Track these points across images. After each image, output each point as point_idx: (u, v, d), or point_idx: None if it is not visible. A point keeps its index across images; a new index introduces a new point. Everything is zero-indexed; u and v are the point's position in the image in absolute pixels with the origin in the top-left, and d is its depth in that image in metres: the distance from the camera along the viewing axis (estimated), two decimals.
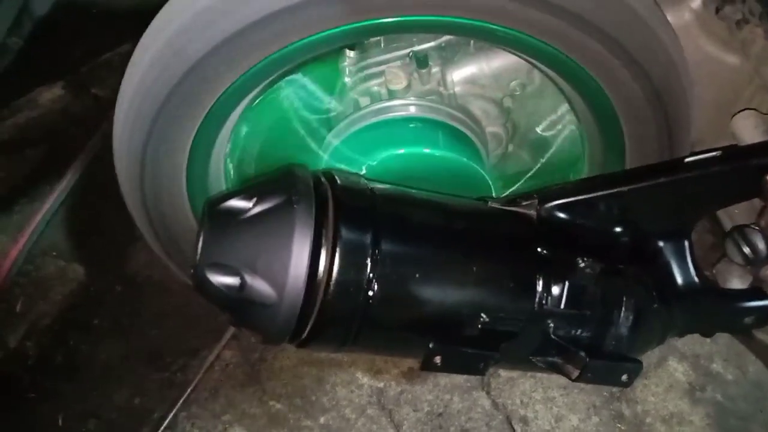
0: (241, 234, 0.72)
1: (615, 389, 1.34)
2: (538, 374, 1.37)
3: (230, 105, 0.94)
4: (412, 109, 1.05)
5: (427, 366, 0.75)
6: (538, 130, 1.11)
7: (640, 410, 1.31)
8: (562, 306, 0.80)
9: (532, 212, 0.85)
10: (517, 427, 1.31)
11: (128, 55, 2.18)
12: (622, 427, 1.30)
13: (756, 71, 0.89)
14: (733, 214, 1.03)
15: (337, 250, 0.71)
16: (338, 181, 0.77)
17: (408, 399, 1.36)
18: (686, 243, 0.90)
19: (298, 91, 1.09)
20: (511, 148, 1.14)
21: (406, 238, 0.76)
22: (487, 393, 1.36)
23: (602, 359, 0.82)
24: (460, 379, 1.38)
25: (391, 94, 1.07)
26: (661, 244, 0.88)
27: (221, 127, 0.98)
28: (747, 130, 0.89)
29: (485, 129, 1.09)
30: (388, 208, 0.77)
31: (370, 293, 0.72)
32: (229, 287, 0.71)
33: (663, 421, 1.30)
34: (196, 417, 1.40)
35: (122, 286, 1.65)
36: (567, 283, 0.80)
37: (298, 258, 0.70)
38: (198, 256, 0.76)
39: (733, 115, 0.92)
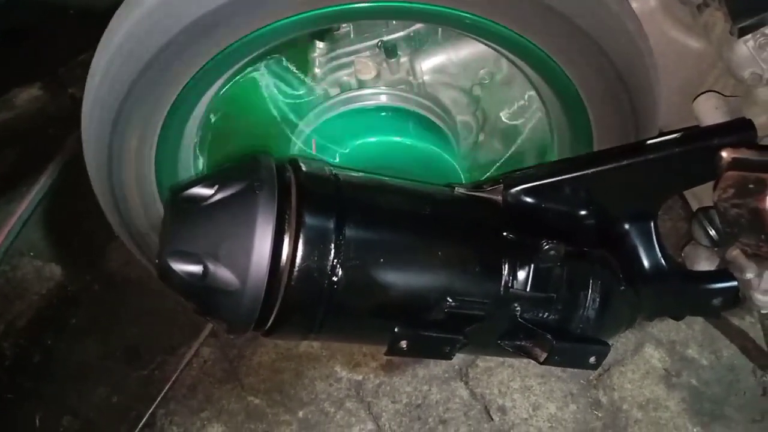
0: (203, 221, 0.72)
1: (591, 376, 1.35)
2: (516, 363, 1.38)
3: (197, 92, 0.94)
4: (383, 98, 1.06)
5: (393, 351, 0.75)
6: (506, 118, 1.11)
7: (617, 397, 1.32)
8: (528, 289, 0.81)
9: (498, 197, 0.85)
10: (496, 417, 1.31)
11: None
12: (599, 414, 1.30)
13: (718, 54, 0.90)
14: (701, 199, 1.04)
15: (300, 236, 0.71)
16: (302, 168, 0.77)
17: (386, 391, 1.36)
18: (652, 225, 0.90)
19: (272, 73, 1.08)
20: (482, 137, 1.15)
21: (370, 224, 0.76)
22: (465, 383, 1.36)
23: (569, 342, 0.82)
24: (438, 370, 1.38)
25: (361, 84, 1.07)
26: (627, 226, 0.89)
27: (189, 116, 0.98)
28: (708, 112, 0.90)
29: (455, 118, 1.09)
30: (352, 193, 0.77)
31: (335, 279, 0.72)
32: (191, 275, 0.71)
33: (639, 407, 1.30)
34: (175, 414, 1.39)
35: (100, 285, 1.64)
36: (532, 266, 0.81)
37: (260, 244, 0.70)
38: (161, 245, 0.76)
39: (695, 98, 0.92)
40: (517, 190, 0.85)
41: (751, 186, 0.71)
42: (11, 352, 1.54)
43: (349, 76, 1.08)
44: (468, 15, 0.84)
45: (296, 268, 0.71)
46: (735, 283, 0.92)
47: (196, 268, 0.71)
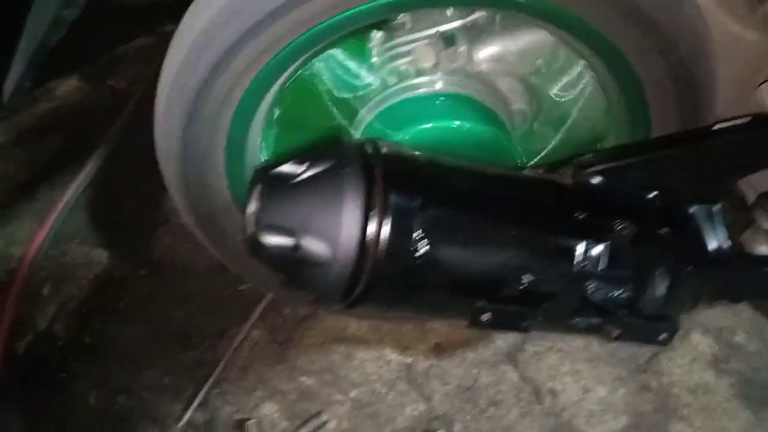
0: (294, 196, 0.74)
1: (641, 362, 1.37)
2: (565, 348, 1.39)
3: (266, 85, 0.96)
4: (441, 85, 1.07)
5: (475, 323, 0.78)
6: (560, 107, 1.13)
7: (666, 381, 1.34)
8: (601, 268, 0.83)
9: (568, 179, 0.87)
10: (546, 399, 1.33)
11: (144, 48, 2.20)
12: (650, 398, 1.32)
13: None
14: (757, 186, 1.05)
15: (388, 210, 0.74)
16: (382, 147, 0.79)
17: (437, 373, 1.38)
18: (717, 209, 0.92)
19: (330, 68, 1.11)
20: (535, 125, 1.16)
21: (451, 202, 0.78)
22: (515, 367, 1.38)
23: (641, 319, 0.84)
24: (487, 353, 1.40)
25: (420, 72, 1.09)
26: (692, 209, 0.90)
27: (257, 109, 1.00)
28: None
29: (511, 106, 1.10)
30: (432, 172, 0.80)
31: (419, 253, 0.75)
32: (283, 248, 0.74)
33: (689, 391, 1.32)
34: (228, 393, 1.42)
35: (146, 270, 1.67)
36: (605, 246, 0.83)
37: (351, 217, 0.72)
38: (248, 221, 0.78)
39: (759, 85, 0.93)
40: (587, 173, 0.86)
41: None
42: (63, 334, 1.57)
43: (407, 65, 1.10)
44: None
45: (383, 242, 0.73)
46: None
47: (288, 241, 0.74)
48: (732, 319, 1.39)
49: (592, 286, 0.82)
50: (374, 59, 1.10)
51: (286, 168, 0.76)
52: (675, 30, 0.88)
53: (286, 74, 0.99)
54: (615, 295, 0.84)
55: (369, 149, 0.78)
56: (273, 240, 0.74)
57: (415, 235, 0.74)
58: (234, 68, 0.90)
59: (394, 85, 1.08)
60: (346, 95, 1.12)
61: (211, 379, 1.44)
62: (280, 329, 1.51)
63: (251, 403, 1.40)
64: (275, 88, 1.00)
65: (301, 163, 0.76)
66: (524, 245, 0.80)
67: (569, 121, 1.12)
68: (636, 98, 0.97)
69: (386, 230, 0.73)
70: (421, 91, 1.06)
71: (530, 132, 1.14)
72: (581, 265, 0.81)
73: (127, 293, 1.62)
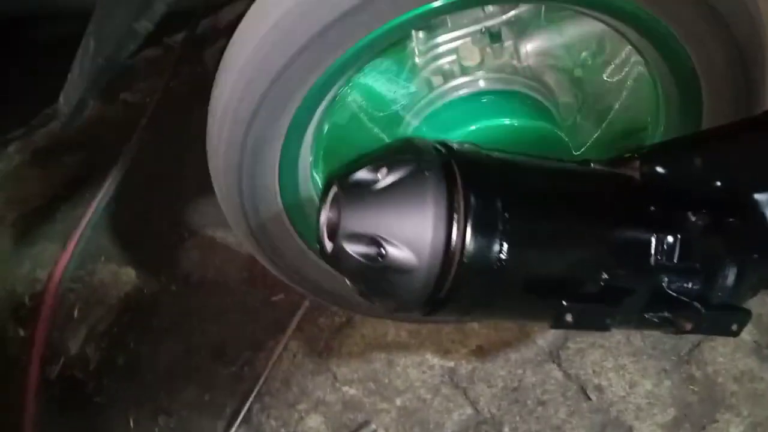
0: (377, 204, 0.74)
1: (683, 353, 1.37)
2: (606, 344, 1.40)
3: (318, 98, 0.96)
4: (488, 83, 1.07)
5: (559, 324, 0.77)
6: (605, 98, 1.13)
7: (711, 371, 1.34)
8: (676, 260, 0.83)
9: (636, 172, 0.87)
10: (593, 396, 1.33)
11: (153, 59, 2.18)
12: (695, 389, 1.32)
13: None
14: None
15: (470, 213, 0.73)
16: (457, 149, 0.79)
17: (481, 376, 1.38)
18: None
19: (364, 93, 1.10)
20: (578, 118, 1.17)
21: (529, 201, 0.78)
22: (558, 365, 1.38)
23: (716, 310, 0.84)
24: (529, 353, 1.40)
25: (465, 71, 1.09)
26: (756, 196, 0.91)
27: (308, 124, 1.00)
28: None
29: (558, 100, 1.11)
30: (507, 171, 0.80)
31: (501, 256, 0.74)
32: (367, 256, 0.73)
33: (734, 379, 1.32)
34: (271, 407, 1.41)
35: (177, 286, 1.66)
36: (679, 238, 0.83)
37: (437, 223, 0.72)
38: (323, 230, 0.78)
39: None
40: (653, 164, 0.87)
41: None
42: (96, 356, 1.55)
43: (451, 64, 1.10)
44: None
45: (468, 245, 0.73)
46: None
47: (372, 249, 0.73)
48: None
49: (666, 279, 0.83)
50: (417, 59, 1.10)
51: (364, 174, 0.75)
52: (732, 14, 0.89)
53: (333, 91, 0.99)
54: (688, 287, 0.84)
55: (444, 151, 0.77)
56: (357, 249, 0.73)
57: (496, 236, 0.74)
58: (284, 86, 0.90)
59: (439, 86, 1.08)
60: (384, 112, 1.12)
61: (253, 394, 1.43)
62: (318, 339, 1.50)
63: (296, 416, 1.39)
64: (324, 104, 1.00)
65: (377, 169, 0.75)
66: (602, 241, 0.80)
67: (612, 114, 1.13)
68: (689, 87, 0.97)
69: (469, 233, 0.73)
70: (468, 90, 1.06)
71: (573, 125, 1.14)
72: (657, 258, 0.82)
73: (158, 311, 1.61)
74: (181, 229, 1.74)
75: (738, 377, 1.33)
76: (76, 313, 1.60)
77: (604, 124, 1.14)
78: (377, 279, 0.75)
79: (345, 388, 1.40)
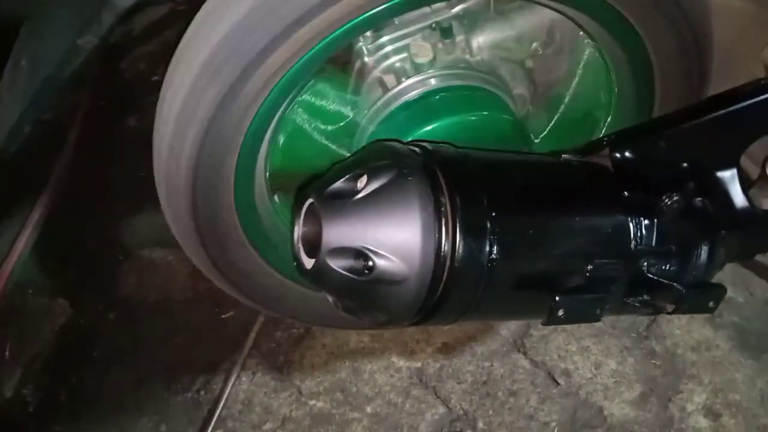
0: (360, 214, 0.70)
1: (641, 329, 1.40)
2: (568, 328, 1.41)
3: (272, 112, 0.91)
4: (444, 80, 1.04)
5: (551, 320, 0.76)
6: (557, 87, 1.13)
7: (670, 344, 1.38)
8: (654, 243, 0.83)
9: (606, 160, 0.87)
10: (561, 380, 1.34)
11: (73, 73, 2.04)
12: (657, 363, 1.35)
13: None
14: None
15: (458, 215, 0.70)
16: (432, 150, 0.76)
17: (449, 373, 1.36)
18: (735, 171, 0.94)
19: (312, 110, 1.05)
20: (531, 109, 1.16)
21: (513, 199, 0.76)
22: (524, 354, 1.38)
23: (694, 289, 0.85)
24: (495, 344, 1.39)
25: (417, 68, 1.05)
26: (718, 174, 0.93)
27: (263, 137, 0.94)
28: None
29: (512, 91, 1.09)
30: (487, 169, 0.77)
31: (492, 255, 0.72)
32: (354, 270, 0.69)
33: (692, 350, 1.36)
34: (235, 431, 1.34)
35: (115, 313, 1.56)
36: (655, 221, 0.83)
37: (425, 229, 0.69)
38: (299, 246, 0.73)
39: (762, 49, 0.97)
40: (622, 150, 0.86)
41: None
42: (35, 397, 1.44)
43: (402, 62, 1.06)
44: None
45: (458, 248, 0.70)
46: None
47: (358, 263, 0.69)
48: (717, 275, 1.45)
49: (646, 263, 0.83)
50: (367, 59, 1.05)
51: (343, 184, 0.71)
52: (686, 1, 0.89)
53: (286, 102, 0.94)
54: (666, 269, 0.85)
55: (421, 152, 0.74)
56: (342, 263, 0.69)
57: (486, 236, 0.71)
58: (243, 96, 0.84)
59: (393, 87, 1.04)
60: (334, 125, 1.08)
61: (214, 419, 1.36)
62: (277, 354, 1.44)
63: None
64: (277, 116, 0.95)
65: (356, 177, 0.71)
66: (585, 231, 0.79)
67: (565, 103, 1.12)
68: (642, 70, 0.98)
69: (459, 236, 0.70)
70: (422, 89, 1.03)
71: (527, 116, 1.13)
72: (636, 243, 0.81)
73: (99, 340, 1.51)
74: (114, 251, 1.64)
75: (696, 347, 1.37)
76: (7, 353, 1.48)
77: (557, 114, 1.14)
78: (365, 293, 0.71)
79: (312, 402, 1.35)
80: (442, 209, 0.69)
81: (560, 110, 1.16)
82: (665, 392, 1.32)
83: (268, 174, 1.02)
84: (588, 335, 1.39)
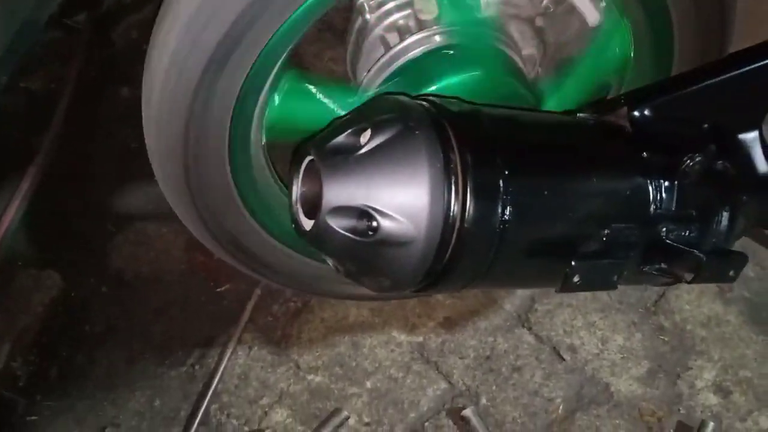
0: (363, 171, 0.65)
1: (649, 304, 1.36)
2: (574, 302, 1.37)
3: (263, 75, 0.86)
4: (450, 37, 0.99)
5: (567, 286, 0.72)
6: (568, 48, 1.08)
7: (679, 319, 1.34)
8: (674, 208, 0.79)
9: (624, 119, 0.82)
10: (567, 356, 1.30)
11: (54, 42, 1.98)
12: (666, 338, 1.31)
13: None
14: None
15: (468, 174, 0.66)
16: (442, 104, 0.71)
17: (451, 348, 1.32)
18: (758, 133, 0.90)
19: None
20: (541, 71, 1.11)
21: (527, 158, 0.71)
22: (529, 329, 1.34)
23: (715, 257, 0.81)
24: (498, 319, 1.35)
25: (422, 25, 1.00)
26: (740, 136, 0.88)
27: (255, 105, 0.89)
28: None
29: (521, 51, 1.04)
30: (499, 126, 0.72)
31: (505, 217, 0.67)
32: (357, 231, 0.64)
33: (702, 325, 1.32)
34: (231, 406, 1.30)
35: (108, 286, 1.51)
36: (676, 184, 0.78)
37: (434, 187, 0.64)
38: (298, 206, 0.69)
39: None
40: (641, 109, 0.82)
41: None
42: (24, 371, 1.39)
43: (406, 19, 1.01)
44: None
45: (468, 210, 0.65)
46: None
47: (361, 223, 0.64)
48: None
49: (665, 228, 0.78)
50: (368, 16, 1.01)
51: (345, 139, 0.66)
52: None
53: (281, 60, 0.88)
54: (686, 235, 0.80)
55: (430, 106, 0.69)
56: (344, 223, 0.64)
57: (498, 197, 0.67)
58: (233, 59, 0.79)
59: (396, 45, 0.99)
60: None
61: (209, 394, 1.32)
62: (274, 328, 1.40)
63: (258, 412, 1.29)
64: (272, 74, 0.89)
65: (359, 132, 0.66)
66: (602, 193, 0.74)
67: (576, 65, 1.07)
68: (661, 28, 0.93)
69: (470, 196, 0.65)
70: (427, 46, 0.98)
71: (536, 78, 1.08)
72: (655, 207, 0.77)
73: (91, 314, 1.46)
74: (107, 223, 1.59)
75: (705, 323, 1.33)
76: None
77: (569, 77, 1.09)
78: (369, 256, 0.66)
79: (310, 377, 1.31)
80: (452, 166, 0.65)
81: (572, 73, 1.11)
82: (674, 368, 1.28)
83: (264, 138, 0.97)
84: (594, 310, 1.35)
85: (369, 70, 1.01)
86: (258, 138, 0.96)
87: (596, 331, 1.33)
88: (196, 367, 1.37)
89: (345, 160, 0.65)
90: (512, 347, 1.32)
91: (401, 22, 1.01)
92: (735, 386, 1.24)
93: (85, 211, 1.60)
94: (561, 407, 1.24)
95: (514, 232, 0.68)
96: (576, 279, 0.71)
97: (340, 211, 0.64)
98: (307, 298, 1.41)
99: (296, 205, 0.70)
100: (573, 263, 0.70)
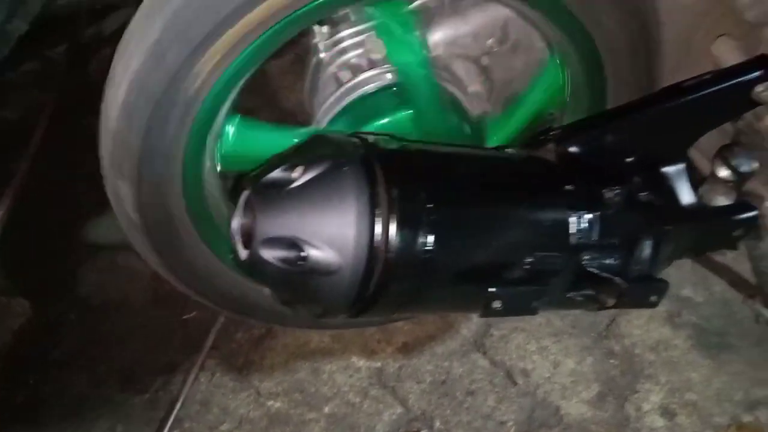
0: (294, 204, 0.69)
1: (601, 328, 1.40)
2: (528, 327, 1.41)
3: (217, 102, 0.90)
4: (397, 75, 1.05)
5: (488, 312, 0.76)
6: (514, 84, 1.13)
7: (628, 343, 1.38)
8: (594, 238, 0.83)
9: (551, 154, 0.87)
10: (519, 380, 1.34)
11: (34, 73, 2.02)
12: (615, 362, 1.36)
13: (719, 1, 0.95)
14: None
15: (393, 207, 0.70)
16: (373, 141, 0.76)
17: (408, 373, 1.36)
18: (684, 166, 0.95)
19: None
20: (489, 107, 1.16)
21: (451, 190, 0.76)
22: (484, 353, 1.38)
23: (636, 283, 0.85)
24: (454, 344, 1.39)
25: (372, 64, 1.06)
26: (664, 169, 0.93)
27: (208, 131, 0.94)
28: (728, 54, 0.95)
29: (467, 88, 1.10)
30: (426, 160, 0.77)
31: (428, 247, 0.72)
32: (288, 260, 0.69)
33: (651, 349, 1.37)
34: None
35: (76, 313, 1.55)
36: (598, 215, 0.83)
37: (359, 219, 0.68)
38: (237, 237, 0.73)
39: (713, 42, 0.97)
40: (567, 144, 0.87)
41: None
42: None
43: (358, 57, 1.06)
44: None
45: (392, 240, 0.70)
46: (756, 212, 0.98)
47: (291, 253, 0.68)
48: (677, 274, 1.46)
49: (587, 257, 0.83)
50: (322, 55, 1.06)
51: (278, 174, 0.71)
52: None
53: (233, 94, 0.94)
54: (608, 263, 0.85)
55: (362, 144, 0.74)
56: (275, 254, 0.68)
57: (421, 228, 0.71)
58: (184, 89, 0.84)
59: (347, 82, 1.05)
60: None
61: (170, 420, 1.34)
62: (237, 354, 1.43)
63: None
64: (225, 107, 0.94)
65: (293, 167, 0.71)
66: (524, 224, 0.79)
67: (522, 101, 1.13)
68: (593, 66, 0.98)
69: (393, 227, 0.70)
70: (377, 83, 1.03)
71: (485, 114, 1.14)
72: (577, 237, 0.81)
73: (59, 340, 1.49)
74: (77, 251, 1.62)
75: (654, 347, 1.37)
76: None
77: (515, 112, 1.14)
78: (299, 284, 0.70)
79: (270, 402, 1.35)
80: (378, 200, 0.69)
81: (519, 108, 1.16)
82: (622, 392, 1.32)
83: (219, 168, 1.02)
84: (548, 334, 1.39)
85: (322, 106, 1.06)
86: (211, 173, 1.00)
87: (549, 355, 1.37)
88: (160, 393, 1.40)
89: (278, 193, 0.70)
90: (467, 372, 1.35)
91: (353, 60, 1.07)
92: (681, 409, 1.28)
93: (56, 239, 1.64)
94: (513, 430, 1.28)
95: (438, 260, 0.72)
96: (496, 304, 0.75)
97: (272, 241, 0.69)
98: (270, 325, 1.44)
99: (235, 236, 0.74)
100: (492, 290, 0.74)
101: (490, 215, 0.78)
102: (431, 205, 0.72)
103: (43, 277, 1.58)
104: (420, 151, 0.78)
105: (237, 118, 1.00)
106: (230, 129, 1.02)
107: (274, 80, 1.90)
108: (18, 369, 1.45)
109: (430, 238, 0.71)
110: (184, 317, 1.50)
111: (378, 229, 0.69)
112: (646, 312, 1.42)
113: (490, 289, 0.75)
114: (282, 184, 0.70)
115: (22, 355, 1.47)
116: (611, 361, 1.36)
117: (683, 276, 1.46)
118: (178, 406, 1.36)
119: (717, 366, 1.33)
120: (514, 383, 1.34)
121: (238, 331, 1.46)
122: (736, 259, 1.46)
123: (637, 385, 1.33)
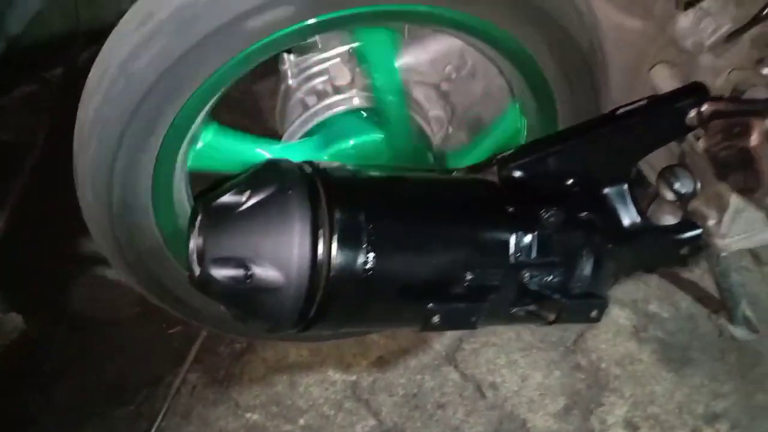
0: (240, 226, 0.75)
1: (569, 343, 1.45)
2: (499, 342, 1.45)
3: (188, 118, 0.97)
4: (360, 101, 1.11)
5: (427, 326, 0.81)
6: (474, 108, 1.19)
7: (595, 358, 1.42)
8: (534, 256, 0.88)
9: (494, 176, 0.92)
10: (488, 393, 1.38)
11: (29, 96, 2.08)
12: (582, 376, 1.40)
13: (661, 29, 1.00)
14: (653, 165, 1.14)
15: (335, 229, 0.76)
16: (321, 167, 0.81)
17: (382, 386, 1.41)
18: (626, 187, 1.00)
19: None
20: (450, 129, 1.22)
21: (392, 211, 0.81)
22: (455, 367, 1.42)
23: (574, 299, 0.90)
24: (427, 358, 1.44)
25: (337, 90, 1.12)
26: (606, 190, 0.98)
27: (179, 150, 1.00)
28: (665, 80, 1.01)
29: (428, 113, 1.16)
30: (371, 184, 0.83)
31: (369, 266, 0.77)
32: (235, 279, 0.74)
33: (616, 363, 1.41)
34: None
35: (66, 327, 1.60)
36: (535, 235, 0.88)
37: (301, 240, 0.74)
38: (193, 257, 0.79)
39: (650, 69, 1.03)
40: (509, 168, 0.92)
41: (736, 130, 0.82)
42: None
43: (324, 84, 1.13)
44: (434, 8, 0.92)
45: (334, 258, 0.75)
46: (700, 231, 1.03)
47: (239, 272, 0.74)
48: (644, 290, 1.50)
49: (527, 274, 0.88)
50: (290, 81, 1.12)
51: (228, 198, 0.76)
52: (572, 25, 0.96)
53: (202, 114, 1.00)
54: (548, 280, 0.89)
55: (308, 170, 0.80)
56: (224, 272, 0.74)
57: (362, 248, 0.76)
58: (152, 107, 0.90)
59: (314, 105, 1.11)
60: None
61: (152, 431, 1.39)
62: (218, 368, 1.48)
63: None
64: (194, 127, 1.00)
65: (242, 192, 0.77)
66: (464, 244, 0.84)
67: (484, 125, 1.19)
68: (542, 92, 1.04)
69: (335, 247, 0.75)
70: (341, 108, 1.10)
71: (447, 136, 1.19)
72: (516, 255, 0.86)
73: (48, 354, 1.55)
74: (67, 269, 1.68)
75: (620, 361, 1.41)
76: None
77: (478, 135, 1.20)
78: (247, 301, 0.76)
79: (248, 415, 1.39)
80: (320, 221, 0.75)
81: (481, 131, 1.22)
82: (588, 405, 1.36)
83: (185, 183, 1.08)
84: (517, 349, 1.44)
85: (289, 128, 1.12)
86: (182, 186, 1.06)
87: (518, 369, 1.41)
88: (144, 405, 1.45)
89: (226, 216, 0.76)
90: (438, 385, 1.40)
91: (319, 86, 1.13)
92: (643, 422, 1.32)
93: (47, 256, 1.70)
94: None
95: (378, 279, 0.77)
96: (435, 319, 0.80)
97: (221, 261, 0.74)
98: (251, 339, 1.50)
99: (191, 255, 0.80)
100: (429, 305, 0.79)
101: (430, 234, 0.83)
102: (371, 226, 0.77)
103: (35, 293, 1.64)
104: (367, 176, 0.84)
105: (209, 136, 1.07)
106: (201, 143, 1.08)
107: (263, 101, 1.96)
108: (10, 383, 1.51)
109: (370, 257, 0.77)
110: (170, 331, 1.56)
111: (320, 248, 0.75)
112: (612, 327, 1.46)
113: (429, 305, 0.80)
114: (231, 208, 0.76)
115: (13, 370, 1.52)
116: (578, 374, 1.40)
117: (650, 291, 1.50)
118: (160, 418, 1.41)
119: (679, 379, 1.37)
120: (483, 396, 1.38)
121: (221, 345, 1.51)
122: (702, 276, 1.51)
123: (602, 398, 1.37)
